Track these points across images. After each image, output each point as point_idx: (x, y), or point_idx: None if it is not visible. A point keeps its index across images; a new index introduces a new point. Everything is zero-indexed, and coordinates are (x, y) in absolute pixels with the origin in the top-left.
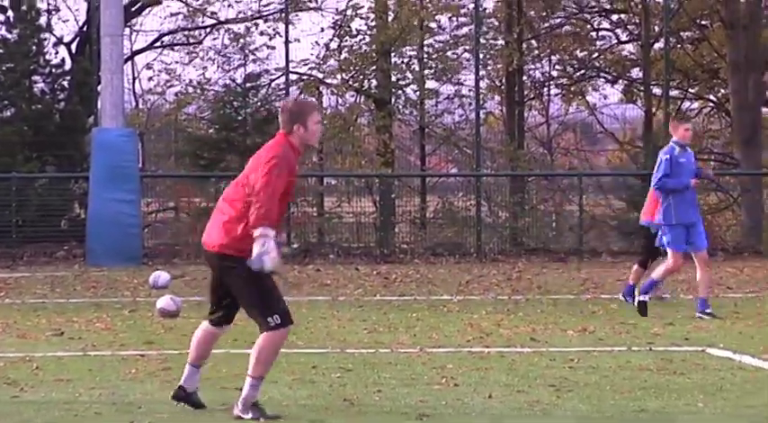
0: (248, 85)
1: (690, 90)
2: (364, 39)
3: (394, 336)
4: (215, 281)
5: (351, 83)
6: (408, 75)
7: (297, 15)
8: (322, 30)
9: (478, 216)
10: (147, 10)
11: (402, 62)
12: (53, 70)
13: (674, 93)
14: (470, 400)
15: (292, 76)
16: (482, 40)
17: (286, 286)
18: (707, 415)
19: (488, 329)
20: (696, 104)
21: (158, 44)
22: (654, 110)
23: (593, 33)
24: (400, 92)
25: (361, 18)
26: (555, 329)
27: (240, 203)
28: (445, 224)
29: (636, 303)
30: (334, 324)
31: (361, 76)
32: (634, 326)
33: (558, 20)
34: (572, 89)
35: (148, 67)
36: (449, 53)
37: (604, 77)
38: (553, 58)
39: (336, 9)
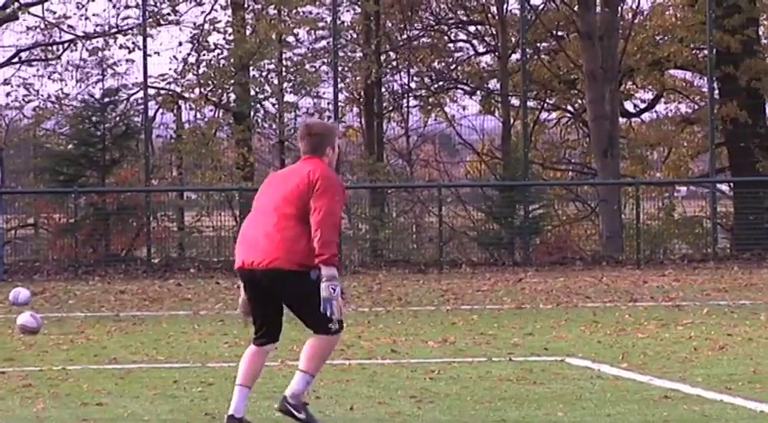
0: (106, 99)
1: (547, 101)
2: (222, 53)
3: None
4: (259, 299)
5: (209, 97)
6: (267, 88)
7: (155, 29)
8: (180, 44)
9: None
10: (4, 25)
11: (260, 76)
12: None
13: (531, 103)
14: (332, 412)
15: (150, 91)
16: (340, 53)
17: (147, 300)
18: None
19: (349, 341)
20: (554, 115)
21: (16, 60)
22: (512, 120)
23: (451, 45)
24: (259, 105)
25: (219, 32)
26: (415, 341)
27: (293, 222)
28: None
29: None
30: (195, 338)
31: (220, 91)
32: (494, 336)
33: (416, 32)
34: (430, 101)
35: (6, 82)
36: (307, 66)
37: (462, 89)
38: (411, 70)
39: (194, 23)
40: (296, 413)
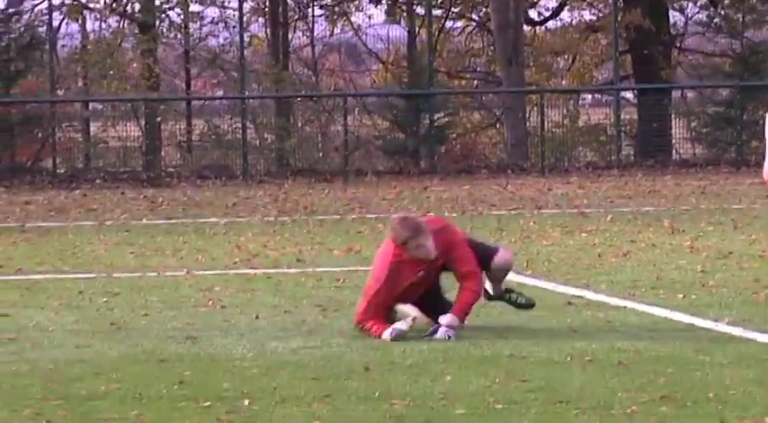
0: (10, 10)
1: (452, 9)
2: None
3: (161, 259)
4: None
5: (114, 7)
6: None
7: None
8: None
9: (244, 138)
10: None
11: None
12: None
13: (436, 12)
14: (237, 321)
15: (55, 1)
16: None
17: (52, 211)
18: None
19: (255, 251)
20: (459, 24)
21: None
22: (417, 30)
23: None
24: (164, 15)
25: None
26: (321, 250)
27: None
28: (211, 147)
29: None
30: (101, 249)
31: (125, 1)
32: None
33: None
34: (336, 10)
35: None
36: None
37: None
38: None
39: None
40: None
